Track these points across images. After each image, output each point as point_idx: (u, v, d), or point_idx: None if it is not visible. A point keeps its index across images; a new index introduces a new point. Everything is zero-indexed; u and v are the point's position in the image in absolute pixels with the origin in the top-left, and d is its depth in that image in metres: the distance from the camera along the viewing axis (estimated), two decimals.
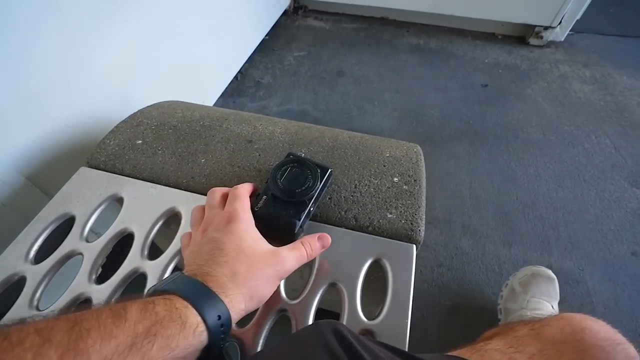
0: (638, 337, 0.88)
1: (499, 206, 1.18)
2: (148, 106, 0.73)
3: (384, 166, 0.59)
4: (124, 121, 0.67)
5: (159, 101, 0.79)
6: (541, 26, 1.79)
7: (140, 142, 0.63)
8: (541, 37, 1.83)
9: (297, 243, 0.39)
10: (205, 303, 0.28)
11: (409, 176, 0.58)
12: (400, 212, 0.52)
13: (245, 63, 1.74)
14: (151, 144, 0.62)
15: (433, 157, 1.33)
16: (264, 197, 0.46)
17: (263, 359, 0.31)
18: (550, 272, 0.92)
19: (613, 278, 0.99)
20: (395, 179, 0.57)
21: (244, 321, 0.46)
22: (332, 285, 0.46)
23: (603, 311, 0.93)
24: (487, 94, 1.60)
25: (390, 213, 0.52)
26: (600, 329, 0.34)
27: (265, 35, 1.93)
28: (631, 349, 0.33)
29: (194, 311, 0.27)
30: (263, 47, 1.86)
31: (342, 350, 0.29)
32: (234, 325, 0.31)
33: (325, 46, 1.89)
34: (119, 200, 0.56)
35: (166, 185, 0.56)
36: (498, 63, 1.77)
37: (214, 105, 1.51)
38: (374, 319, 0.43)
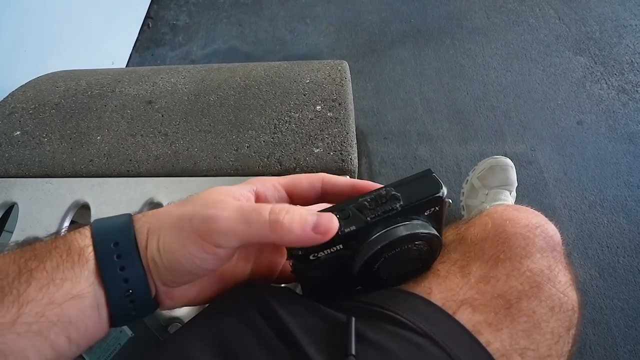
0: (584, 200, 0.95)
1: (450, 105, 1.15)
2: (20, 86, 0.60)
3: (305, 95, 0.53)
4: None
5: (43, 74, 0.66)
6: None
7: (18, 133, 0.53)
8: None
9: (262, 207, 0.22)
10: (104, 225, 0.22)
11: (332, 100, 0.52)
12: (328, 143, 0.47)
13: (151, 4, 1.49)
14: (33, 133, 0.53)
15: (378, 68, 1.25)
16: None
17: (174, 343, 0.26)
18: (506, 160, 0.93)
19: (562, 151, 1.02)
20: (318, 108, 0.51)
21: None
22: None
23: (554, 184, 0.98)
24: None
25: (317, 147, 0.47)
26: (521, 216, 0.33)
27: None
28: (550, 227, 0.33)
29: (86, 233, 0.22)
30: None
31: (263, 319, 0.26)
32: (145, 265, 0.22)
33: None
34: (14, 208, 0.48)
35: (63, 177, 0.49)
36: None
37: (129, 63, 1.32)
38: None
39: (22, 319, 0.18)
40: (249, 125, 0.50)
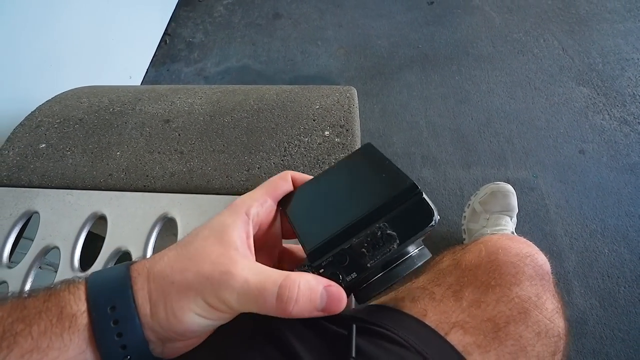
0: (585, 228, 0.95)
1: (455, 130, 1.18)
2: (47, 101, 0.64)
3: (314, 120, 0.56)
4: (21, 124, 0.59)
5: (69, 89, 0.70)
6: None
7: (44, 145, 0.56)
8: None
9: (266, 289, 0.21)
10: (100, 285, 0.21)
11: (340, 127, 0.55)
12: None
13: (170, 22, 1.56)
14: (57, 146, 0.56)
15: (386, 91, 1.29)
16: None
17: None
18: (508, 186, 0.94)
19: (564, 179, 1.04)
20: (327, 133, 0.54)
21: None
22: None
23: (556, 211, 0.99)
24: (434, 12, 1.51)
25: None
26: (513, 245, 0.35)
27: None
28: (540, 257, 0.35)
29: (80, 296, 0.21)
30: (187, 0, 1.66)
31: (263, 335, 0.28)
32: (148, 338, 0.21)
33: None
34: (34, 216, 0.51)
35: (83, 189, 0.52)
36: None
37: (145, 77, 1.38)
38: None
39: None
40: (261, 147, 0.53)
